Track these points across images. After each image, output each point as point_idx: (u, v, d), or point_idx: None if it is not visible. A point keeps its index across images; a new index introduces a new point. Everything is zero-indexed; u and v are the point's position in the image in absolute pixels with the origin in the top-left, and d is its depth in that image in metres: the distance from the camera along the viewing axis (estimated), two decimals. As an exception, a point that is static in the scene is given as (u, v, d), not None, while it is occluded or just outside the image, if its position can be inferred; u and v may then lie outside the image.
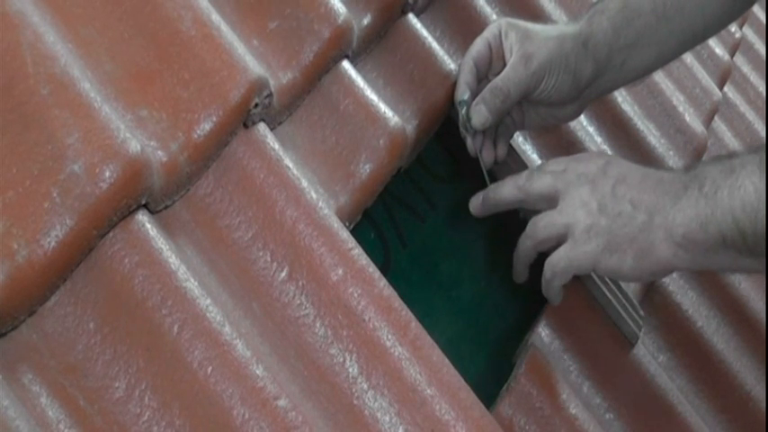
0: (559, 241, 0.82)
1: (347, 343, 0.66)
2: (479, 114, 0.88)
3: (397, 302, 0.70)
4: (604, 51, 0.89)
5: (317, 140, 0.78)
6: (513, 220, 0.96)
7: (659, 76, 1.25)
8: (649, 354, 0.97)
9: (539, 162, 1.02)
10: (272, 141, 0.71)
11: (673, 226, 0.75)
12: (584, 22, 0.91)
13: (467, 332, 0.87)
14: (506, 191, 0.86)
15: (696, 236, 0.74)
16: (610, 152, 1.11)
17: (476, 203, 0.88)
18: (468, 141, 0.90)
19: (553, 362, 0.87)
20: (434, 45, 0.91)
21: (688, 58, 1.38)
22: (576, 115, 0.96)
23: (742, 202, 0.71)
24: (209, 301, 0.59)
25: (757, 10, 1.95)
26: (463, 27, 0.98)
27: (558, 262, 0.82)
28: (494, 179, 0.92)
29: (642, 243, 0.77)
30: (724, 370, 1.05)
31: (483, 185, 0.90)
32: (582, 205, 0.80)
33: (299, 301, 0.66)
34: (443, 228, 0.91)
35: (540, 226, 0.83)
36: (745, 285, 1.15)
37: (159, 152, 0.63)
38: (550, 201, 0.83)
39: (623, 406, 0.90)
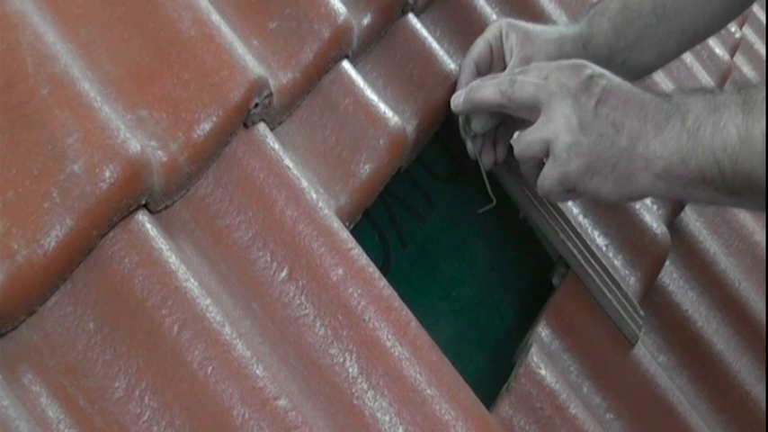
0: (544, 155, 0.81)
1: (347, 343, 0.66)
2: (479, 118, 0.88)
3: (397, 302, 0.70)
4: (605, 52, 0.89)
5: (317, 140, 0.78)
6: (514, 220, 0.96)
7: (659, 77, 1.25)
8: (649, 354, 0.97)
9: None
10: (272, 141, 0.71)
11: (653, 158, 0.75)
12: (584, 24, 0.91)
13: (467, 332, 0.87)
14: (489, 93, 0.83)
15: (676, 170, 0.74)
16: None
17: (457, 101, 0.86)
18: (468, 144, 0.90)
19: (553, 362, 0.87)
20: (434, 45, 0.91)
21: (688, 58, 1.38)
22: None
23: (723, 144, 0.71)
24: (209, 301, 0.59)
25: (757, 10, 1.95)
26: (463, 27, 0.98)
27: (543, 182, 0.81)
28: (494, 181, 0.92)
29: (623, 170, 0.76)
30: (724, 370, 1.05)
31: (483, 186, 0.91)
32: (563, 121, 0.78)
33: (299, 301, 0.66)
34: (443, 228, 0.91)
35: (524, 145, 0.82)
36: (745, 285, 1.15)
37: (159, 152, 0.63)
38: (532, 111, 0.81)
39: (623, 406, 0.90)
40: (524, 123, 0.94)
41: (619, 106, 0.78)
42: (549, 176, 0.80)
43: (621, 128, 0.76)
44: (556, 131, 0.78)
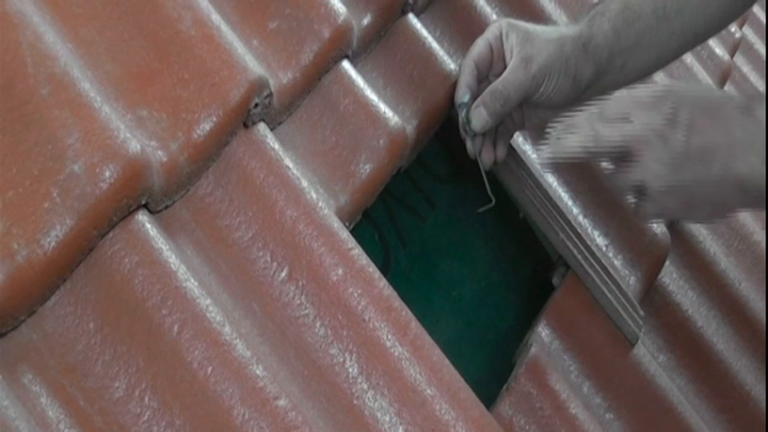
0: (637, 194, 0.81)
1: (347, 343, 0.66)
2: (479, 117, 0.88)
3: (397, 302, 0.70)
4: (605, 54, 0.89)
5: (317, 140, 0.78)
6: (514, 220, 0.96)
7: (659, 77, 1.25)
8: (649, 354, 0.97)
9: (539, 162, 1.02)
10: (272, 141, 0.71)
11: (744, 181, 0.76)
12: (584, 24, 0.91)
13: (467, 332, 0.87)
14: (574, 150, 0.82)
15: (763, 186, 0.75)
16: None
17: (545, 162, 0.85)
18: (468, 144, 0.90)
19: (553, 362, 0.87)
20: (434, 45, 0.91)
21: (688, 58, 1.38)
22: None
23: None
24: (209, 301, 0.59)
25: (757, 10, 1.95)
26: (463, 27, 0.98)
27: (640, 213, 0.82)
28: (493, 180, 0.92)
29: (716, 199, 0.78)
30: (724, 370, 1.05)
31: (483, 186, 0.91)
32: (656, 166, 0.77)
33: (299, 301, 0.66)
34: (443, 228, 0.91)
35: (614, 183, 0.82)
36: (745, 285, 1.15)
37: (159, 152, 0.63)
38: (620, 157, 0.80)
39: (623, 406, 0.90)
40: (526, 124, 0.94)
41: (706, 129, 0.77)
42: (646, 212, 0.81)
43: (711, 155, 0.77)
44: (648, 176, 0.78)
